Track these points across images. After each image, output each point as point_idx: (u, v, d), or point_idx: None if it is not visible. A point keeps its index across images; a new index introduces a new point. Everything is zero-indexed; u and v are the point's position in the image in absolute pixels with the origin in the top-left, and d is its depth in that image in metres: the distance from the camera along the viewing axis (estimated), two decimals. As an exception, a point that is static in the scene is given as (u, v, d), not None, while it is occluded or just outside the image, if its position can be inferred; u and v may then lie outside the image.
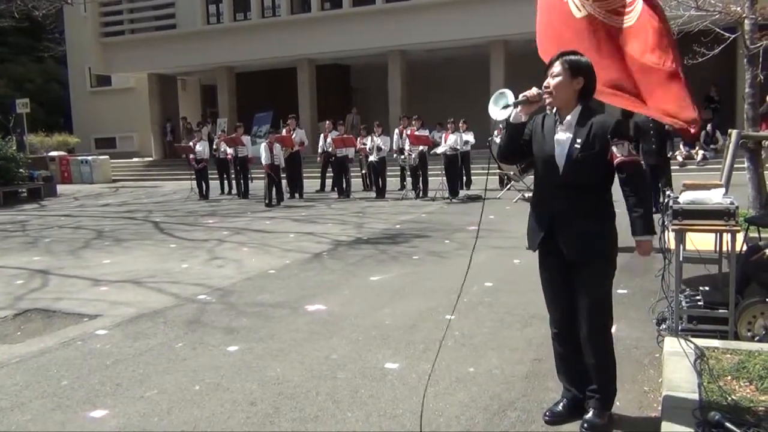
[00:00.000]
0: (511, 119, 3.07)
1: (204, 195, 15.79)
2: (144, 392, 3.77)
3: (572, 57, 3.06)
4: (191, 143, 16.46)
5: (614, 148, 2.94)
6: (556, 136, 3.06)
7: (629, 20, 5.03)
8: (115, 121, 28.24)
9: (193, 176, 16.20)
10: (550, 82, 3.04)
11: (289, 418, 3.37)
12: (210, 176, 16.20)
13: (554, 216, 3.05)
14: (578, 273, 3.06)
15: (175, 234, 10.03)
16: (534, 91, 3.03)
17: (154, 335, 4.85)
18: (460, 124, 14.67)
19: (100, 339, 4.82)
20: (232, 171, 16.37)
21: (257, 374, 3.98)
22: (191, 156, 16.06)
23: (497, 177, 15.32)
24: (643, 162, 2.91)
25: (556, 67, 3.04)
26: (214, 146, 16.56)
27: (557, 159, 3.03)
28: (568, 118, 3.05)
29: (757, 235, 5.63)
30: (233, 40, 22.91)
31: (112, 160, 24.86)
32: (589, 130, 2.99)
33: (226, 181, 16.77)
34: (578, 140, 2.99)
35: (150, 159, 26.20)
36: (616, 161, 2.95)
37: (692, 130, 4.71)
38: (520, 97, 3.03)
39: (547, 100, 3.05)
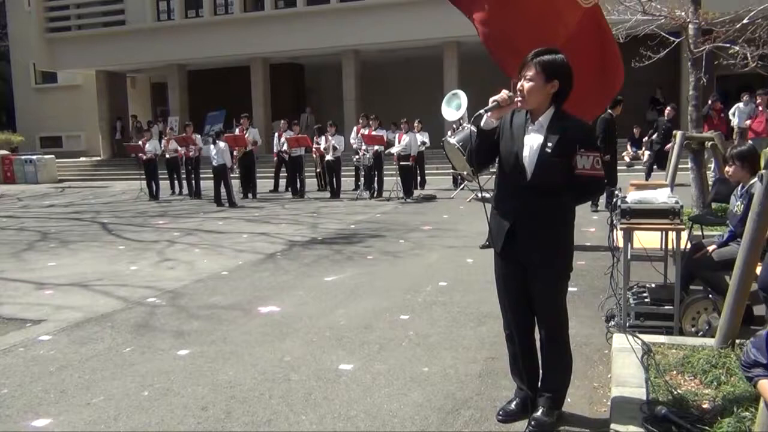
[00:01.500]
0: (482, 125, 2.94)
1: (154, 195, 15.48)
2: (90, 399, 3.65)
3: (546, 57, 2.89)
4: (140, 142, 16.12)
5: (578, 158, 2.86)
6: (526, 137, 2.95)
7: None
8: (61, 120, 27.41)
9: (143, 176, 15.85)
10: (524, 85, 2.88)
11: (241, 422, 3.31)
12: (160, 176, 15.89)
13: (517, 217, 2.99)
14: (536, 275, 3.02)
15: (124, 235, 9.77)
16: (504, 94, 2.89)
17: (101, 340, 4.71)
18: (415, 125, 14.71)
19: (44, 345, 4.65)
20: (183, 171, 16.10)
21: (208, 378, 3.90)
22: (141, 155, 15.71)
23: (451, 176, 15.45)
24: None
25: (529, 70, 2.88)
26: (162, 146, 16.24)
27: (525, 161, 2.92)
28: (540, 119, 2.94)
29: (700, 233, 5.83)
30: (185, 38, 22.54)
31: (58, 160, 24.18)
32: (561, 134, 2.88)
33: (176, 181, 16.47)
34: (549, 144, 2.88)
35: (98, 158, 25.54)
36: (575, 171, 2.87)
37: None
38: (491, 102, 2.89)
39: (519, 104, 2.92)
